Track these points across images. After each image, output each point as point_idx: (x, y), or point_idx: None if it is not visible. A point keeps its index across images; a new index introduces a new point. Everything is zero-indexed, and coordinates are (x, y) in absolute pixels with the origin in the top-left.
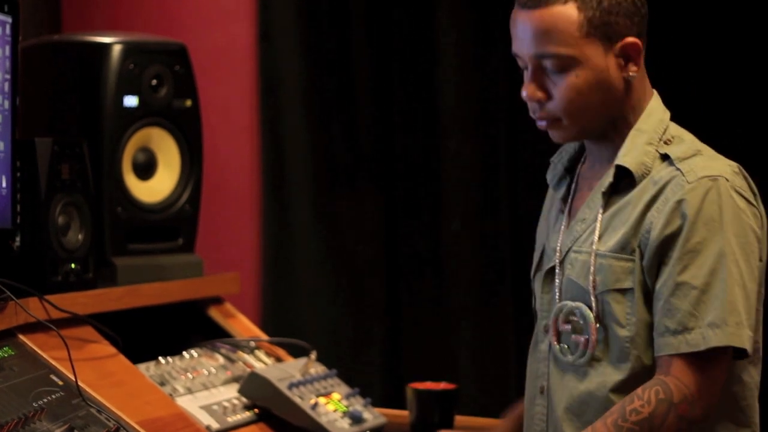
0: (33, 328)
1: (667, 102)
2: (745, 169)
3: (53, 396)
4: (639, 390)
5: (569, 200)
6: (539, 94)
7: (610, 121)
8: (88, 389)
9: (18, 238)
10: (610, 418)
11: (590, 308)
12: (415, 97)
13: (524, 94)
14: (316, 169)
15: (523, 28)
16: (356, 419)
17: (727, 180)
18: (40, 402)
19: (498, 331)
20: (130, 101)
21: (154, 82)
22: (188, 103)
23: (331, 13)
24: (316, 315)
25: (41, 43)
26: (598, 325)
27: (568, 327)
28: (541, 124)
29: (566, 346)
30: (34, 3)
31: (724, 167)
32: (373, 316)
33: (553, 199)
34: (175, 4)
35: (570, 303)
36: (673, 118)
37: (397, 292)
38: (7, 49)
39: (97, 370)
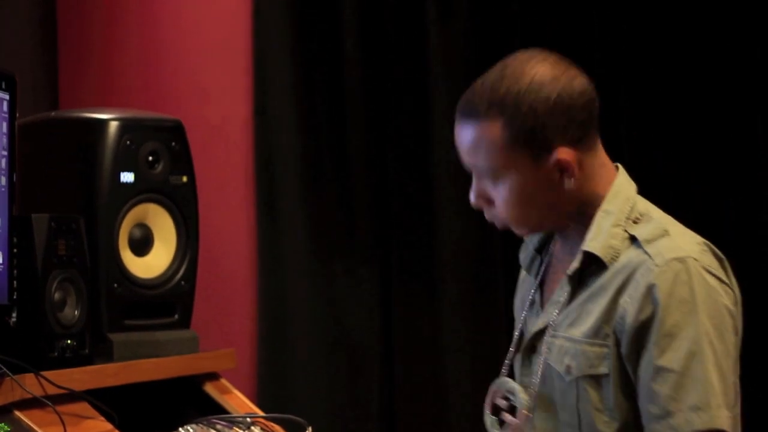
0: (29, 404)
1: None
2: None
3: None
4: None
5: (540, 280)
6: (481, 202)
7: (565, 214)
8: None
9: (14, 314)
10: None
11: (564, 393)
12: (411, 163)
13: (471, 200)
14: (313, 244)
15: (457, 138)
16: None
17: (696, 260)
18: None
19: None
20: (127, 177)
21: (150, 158)
22: (184, 179)
23: (327, 88)
24: (312, 390)
25: (38, 120)
26: (526, 413)
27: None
28: (497, 225)
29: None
30: (31, 80)
31: (692, 246)
32: (369, 391)
33: (526, 278)
34: (171, 79)
35: (510, 383)
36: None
37: (393, 367)
38: (4, 125)
39: None
